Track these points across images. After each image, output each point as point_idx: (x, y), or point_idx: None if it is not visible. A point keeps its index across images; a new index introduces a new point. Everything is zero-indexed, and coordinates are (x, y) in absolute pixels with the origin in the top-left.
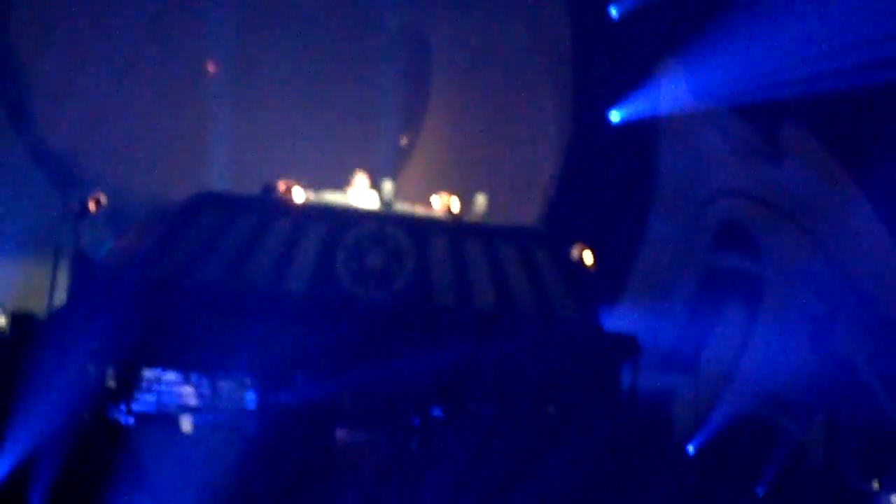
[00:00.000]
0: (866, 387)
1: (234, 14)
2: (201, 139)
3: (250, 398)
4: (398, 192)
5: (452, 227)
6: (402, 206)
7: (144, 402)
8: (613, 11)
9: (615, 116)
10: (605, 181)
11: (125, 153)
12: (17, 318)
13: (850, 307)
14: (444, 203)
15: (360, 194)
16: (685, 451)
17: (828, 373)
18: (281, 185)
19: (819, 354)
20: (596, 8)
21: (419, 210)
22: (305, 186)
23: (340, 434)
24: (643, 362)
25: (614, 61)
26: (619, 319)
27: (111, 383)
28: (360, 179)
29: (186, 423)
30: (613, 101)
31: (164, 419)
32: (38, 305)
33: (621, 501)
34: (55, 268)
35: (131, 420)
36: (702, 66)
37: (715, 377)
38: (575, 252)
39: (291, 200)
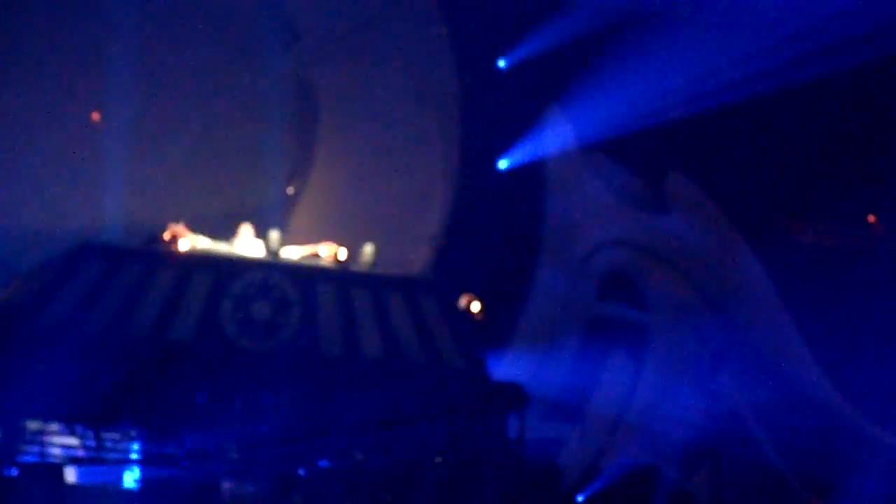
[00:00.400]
0: (751, 435)
1: (120, 62)
2: (88, 190)
3: (136, 449)
4: (285, 242)
5: (339, 277)
6: (289, 256)
7: (29, 453)
8: (501, 63)
9: (503, 164)
10: (492, 231)
11: (10, 205)
12: None
13: (734, 355)
14: (331, 252)
15: (247, 244)
16: (574, 501)
17: (713, 421)
18: (166, 235)
19: (704, 402)
20: (483, 59)
21: (306, 259)
22: (192, 235)
23: (226, 486)
24: (531, 412)
25: (501, 112)
26: (506, 368)
27: None
28: (246, 229)
29: (71, 475)
30: (501, 151)
31: (49, 470)
32: None
33: None
34: None
35: (14, 471)
36: (587, 116)
37: (602, 426)
38: (462, 301)
39: (176, 250)
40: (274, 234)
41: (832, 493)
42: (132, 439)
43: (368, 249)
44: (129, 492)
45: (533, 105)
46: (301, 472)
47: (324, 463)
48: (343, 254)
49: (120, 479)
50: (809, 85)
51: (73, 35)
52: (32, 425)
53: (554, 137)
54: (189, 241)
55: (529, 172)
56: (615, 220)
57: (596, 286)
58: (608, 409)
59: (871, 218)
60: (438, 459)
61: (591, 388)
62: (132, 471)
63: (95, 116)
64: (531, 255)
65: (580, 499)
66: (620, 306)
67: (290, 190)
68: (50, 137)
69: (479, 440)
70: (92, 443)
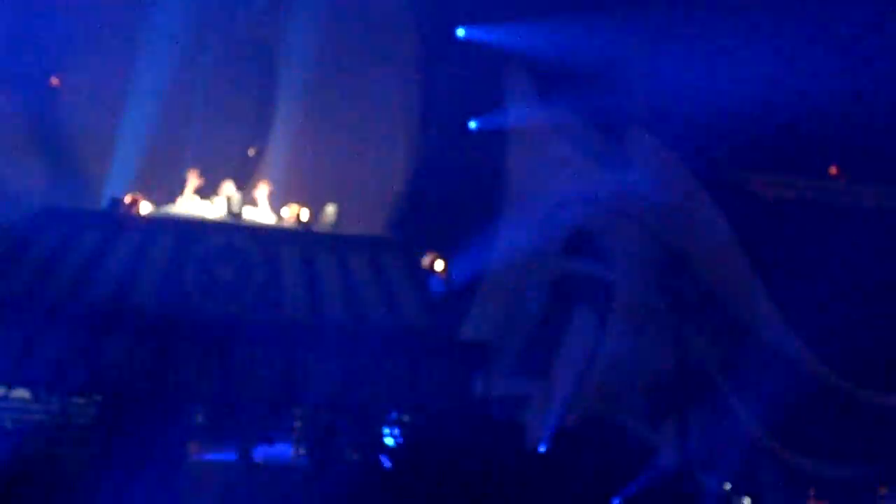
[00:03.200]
0: (716, 390)
1: (77, 22)
2: (50, 153)
3: (99, 415)
4: (247, 203)
5: (302, 238)
6: (251, 217)
7: None
8: (461, 28)
9: (468, 125)
10: (456, 189)
11: None
12: None
13: (698, 309)
14: (293, 213)
15: (208, 206)
16: (537, 456)
17: (677, 376)
18: (127, 199)
19: (669, 356)
20: (447, 15)
21: (268, 221)
22: (153, 199)
23: (192, 448)
24: (495, 369)
25: (465, 69)
26: (470, 326)
27: None
28: (208, 190)
29: (35, 441)
30: (464, 109)
31: (12, 436)
32: None
33: None
34: None
35: None
36: (550, 74)
37: (567, 382)
38: (426, 260)
39: (138, 214)
40: (236, 196)
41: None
42: (96, 405)
43: (330, 210)
44: (94, 457)
45: (496, 65)
46: (266, 433)
47: (289, 424)
48: (305, 214)
49: (87, 444)
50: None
51: None
52: None
53: (517, 96)
54: (149, 205)
55: (492, 131)
56: (578, 177)
57: (560, 243)
58: (573, 366)
59: (833, 170)
60: (404, 418)
61: (555, 344)
62: (96, 435)
63: (55, 81)
64: (495, 214)
65: (542, 450)
66: (585, 262)
67: (252, 151)
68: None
69: (443, 398)
70: (56, 409)
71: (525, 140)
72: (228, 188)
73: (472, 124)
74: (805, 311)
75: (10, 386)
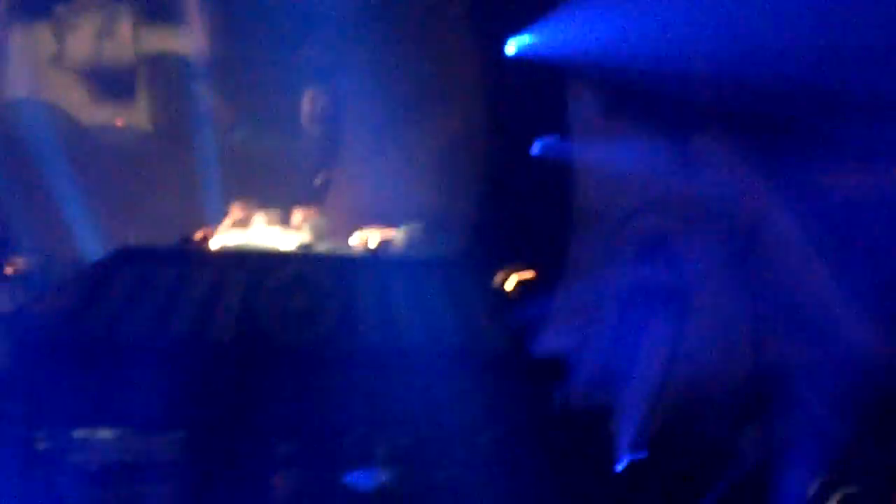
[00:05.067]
0: (798, 390)
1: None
2: (116, 195)
3: (184, 452)
4: (317, 231)
5: (374, 263)
6: (322, 246)
7: (78, 462)
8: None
9: (533, 144)
10: (524, 206)
11: (39, 214)
12: None
13: (777, 313)
14: (363, 240)
15: (278, 237)
16: (622, 470)
17: (758, 379)
18: (198, 235)
19: (748, 360)
20: (507, 33)
21: (339, 248)
22: (224, 233)
23: (277, 481)
24: (574, 383)
25: (528, 85)
26: (547, 342)
27: (42, 446)
28: (277, 219)
29: (121, 481)
30: (530, 126)
31: (100, 478)
32: None
33: None
34: None
35: (67, 482)
36: (614, 85)
37: (647, 391)
38: (500, 278)
39: (210, 248)
40: (305, 224)
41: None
42: (180, 441)
43: (401, 234)
44: (182, 494)
45: (559, 79)
46: (351, 461)
47: (375, 451)
48: (375, 240)
49: (172, 481)
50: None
51: None
52: (79, 433)
53: (582, 110)
54: (221, 239)
55: (558, 147)
56: (648, 186)
57: (633, 253)
58: (653, 375)
59: None
60: (485, 441)
61: (634, 354)
62: (184, 473)
63: (119, 121)
64: (565, 228)
65: (627, 465)
66: (660, 270)
67: (318, 180)
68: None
69: (523, 418)
70: (141, 448)
71: (592, 152)
72: (297, 218)
73: (537, 146)
74: (887, 306)
75: (94, 427)
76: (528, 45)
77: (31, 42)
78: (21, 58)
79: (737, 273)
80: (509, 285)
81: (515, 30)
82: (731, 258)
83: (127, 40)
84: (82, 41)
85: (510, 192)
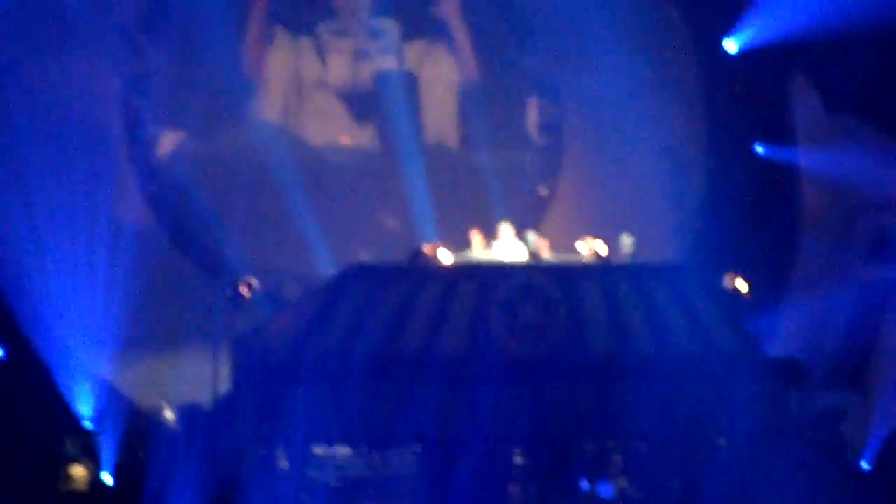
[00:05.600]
0: None
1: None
2: (342, 213)
3: (421, 466)
4: (543, 242)
5: (601, 271)
6: (549, 256)
7: (318, 479)
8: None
9: (758, 148)
10: (749, 207)
11: (271, 235)
12: (184, 411)
13: None
14: (590, 248)
15: (505, 247)
16: (861, 470)
17: None
18: (428, 249)
19: None
20: (717, 36)
21: (567, 258)
22: (451, 247)
23: (514, 490)
24: (811, 384)
25: (748, 85)
26: (780, 343)
27: (283, 464)
28: (505, 229)
29: (359, 496)
30: (750, 125)
31: (338, 495)
32: (202, 396)
33: None
34: (215, 356)
35: (307, 498)
36: (834, 80)
37: (885, 390)
38: (728, 281)
39: (439, 263)
40: (532, 236)
41: None
42: (417, 456)
43: (627, 241)
44: None
45: (777, 82)
46: (586, 467)
47: (610, 458)
48: (602, 248)
49: (410, 496)
50: None
51: None
52: (319, 451)
53: (805, 109)
54: (449, 253)
55: (781, 146)
56: (874, 182)
57: (863, 250)
58: (890, 373)
59: None
60: (722, 443)
61: (869, 352)
62: (420, 487)
63: (344, 140)
64: (791, 227)
65: (865, 466)
66: (891, 267)
67: (544, 190)
68: (301, 166)
69: (760, 419)
70: (378, 463)
71: (815, 150)
72: (524, 229)
73: (760, 148)
74: None
75: (331, 443)
76: (749, 40)
77: (285, 66)
78: (274, 81)
79: None
80: (739, 287)
81: (735, 27)
82: None
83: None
84: (338, 64)
85: (734, 192)
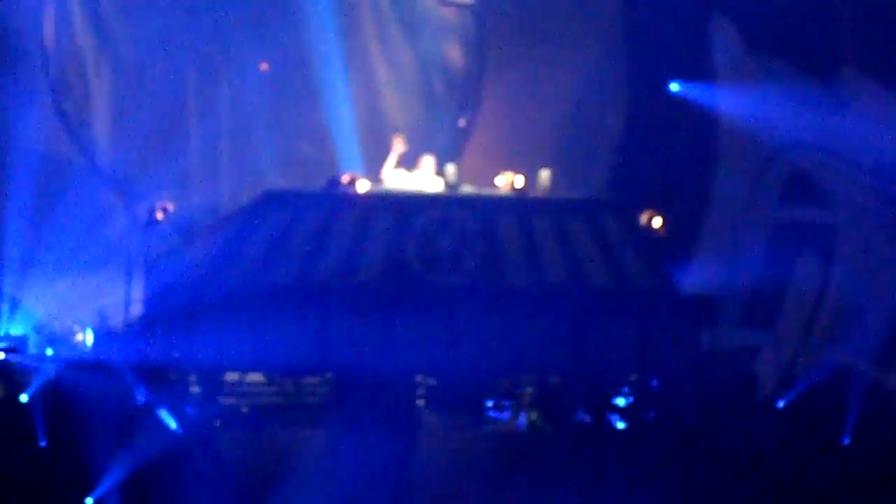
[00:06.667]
0: None
1: (283, 9)
2: (259, 139)
3: (333, 394)
4: (462, 175)
5: (519, 205)
6: (467, 188)
7: (228, 405)
8: None
9: (674, 86)
10: (666, 144)
11: (189, 159)
12: (97, 334)
13: None
14: (508, 181)
15: (424, 179)
16: (772, 407)
17: None
18: (345, 178)
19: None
20: None
21: (484, 191)
22: (368, 177)
23: (425, 422)
24: (721, 322)
25: (668, 23)
26: (693, 281)
27: (195, 389)
28: (427, 161)
29: (271, 423)
30: (671, 63)
31: (249, 422)
32: (116, 319)
33: (712, 463)
34: (129, 280)
35: (217, 424)
36: (755, 20)
37: (795, 329)
38: (643, 218)
39: (356, 192)
40: (451, 168)
41: None
42: (329, 383)
43: (545, 175)
44: (329, 435)
45: (700, 19)
46: (496, 401)
47: (518, 390)
48: (520, 181)
49: (321, 424)
50: None
51: None
52: (231, 377)
53: (725, 48)
54: (366, 182)
55: (702, 87)
56: (793, 124)
57: (778, 191)
58: (800, 313)
59: None
60: (633, 378)
61: (781, 292)
62: (331, 414)
63: (264, 66)
64: (708, 166)
65: (780, 405)
66: (805, 209)
67: (462, 122)
68: (221, 91)
69: (671, 355)
70: (290, 390)
71: (735, 90)
72: (443, 161)
73: (675, 86)
74: None
75: (244, 370)
76: None
77: None
78: None
79: (888, 209)
80: (654, 224)
81: None
82: (881, 198)
83: None
84: None
85: (651, 129)
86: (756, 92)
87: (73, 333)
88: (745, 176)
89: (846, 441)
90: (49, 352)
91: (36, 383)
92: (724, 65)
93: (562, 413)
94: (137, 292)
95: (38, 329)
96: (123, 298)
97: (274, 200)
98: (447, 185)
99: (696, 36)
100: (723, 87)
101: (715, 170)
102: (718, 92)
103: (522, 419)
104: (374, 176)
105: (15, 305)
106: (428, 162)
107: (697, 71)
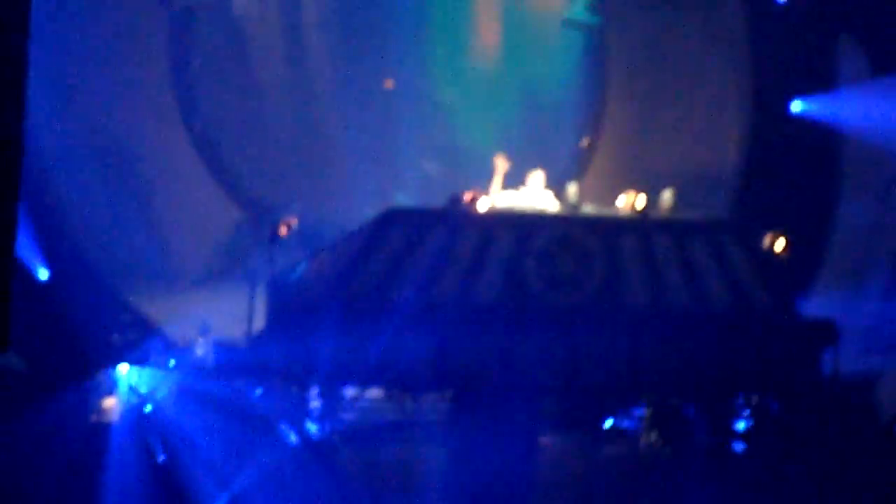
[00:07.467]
0: None
1: (406, 28)
2: (384, 156)
3: (453, 412)
4: (583, 195)
5: (640, 225)
6: (589, 208)
7: (348, 421)
8: None
9: (797, 105)
10: (791, 167)
11: (313, 176)
12: (219, 346)
13: None
14: (630, 201)
15: (546, 199)
16: (893, 435)
17: None
18: (466, 196)
19: None
20: None
21: (606, 211)
22: (490, 196)
23: (544, 441)
24: (844, 347)
25: (792, 47)
26: (816, 305)
27: (314, 404)
28: (534, 178)
29: (391, 440)
30: (794, 84)
31: (368, 437)
32: (238, 332)
33: (831, 490)
34: (252, 294)
35: (336, 440)
36: (882, 39)
37: None
38: (767, 240)
39: (477, 210)
40: (572, 188)
41: None
42: (448, 402)
43: (667, 195)
44: (448, 454)
45: (821, 37)
46: (617, 422)
47: (639, 412)
48: (641, 202)
49: (440, 442)
50: None
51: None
52: (350, 393)
53: (848, 69)
54: (489, 201)
55: (825, 106)
56: None
57: None
58: None
59: None
60: (753, 402)
61: None
62: (451, 433)
63: (388, 84)
64: (833, 188)
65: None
66: None
67: (585, 142)
68: (346, 110)
69: (792, 380)
70: (409, 407)
71: (860, 108)
72: (564, 180)
73: (802, 99)
74: None
75: (364, 387)
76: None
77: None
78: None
79: None
80: (777, 246)
81: None
82: None
83: None
84: None
85: (777, 151)
86: (882, 109)
87: (195, 346)
88: (871, 196)
89: None
90: (171, 363)
91: (159, 394)
92: (850, 84)
93: (681, 435)
94: (260, 306)
95: (161, 341)
96: (246, 312)
97: (396, 218)
98: (569, 205)
99: (820, 55)
100: (848, 104)
101: (840, 192)
102: (843, 110)
103: (641, 440)
104: (498, 194)
105: (138, 316)
106: (537, 177)
107: (821, 90)
